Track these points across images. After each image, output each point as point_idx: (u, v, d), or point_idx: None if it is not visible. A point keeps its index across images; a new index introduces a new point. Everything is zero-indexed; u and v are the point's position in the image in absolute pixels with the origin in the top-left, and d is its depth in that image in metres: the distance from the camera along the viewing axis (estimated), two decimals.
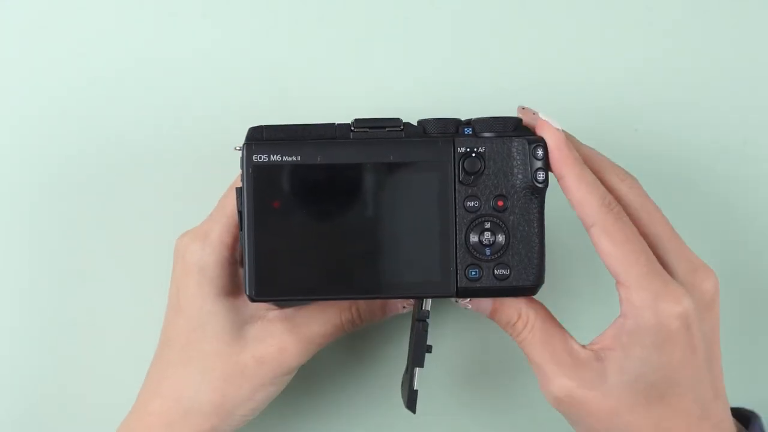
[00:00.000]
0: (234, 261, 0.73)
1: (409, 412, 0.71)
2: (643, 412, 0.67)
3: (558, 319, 0.70)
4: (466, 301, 0.70)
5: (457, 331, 0.81)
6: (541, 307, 0.70)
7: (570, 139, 0.69)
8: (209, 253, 0.72)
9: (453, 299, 0.70)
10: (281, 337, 0.71)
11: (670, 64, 0.82)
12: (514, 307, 0.69)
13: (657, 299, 0.67)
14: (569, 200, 0.68)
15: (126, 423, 0.73)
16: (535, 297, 0.70)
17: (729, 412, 0.70)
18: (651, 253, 0.68)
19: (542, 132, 0.68)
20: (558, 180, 0.68)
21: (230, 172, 0.72)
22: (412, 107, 0.80)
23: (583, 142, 0.71)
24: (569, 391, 0.67)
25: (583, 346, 0.69)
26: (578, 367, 0.68)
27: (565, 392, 0.67)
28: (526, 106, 0.70)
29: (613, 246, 0.67)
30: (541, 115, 0.69)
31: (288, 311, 0.72)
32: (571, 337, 0.69)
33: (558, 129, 0.68)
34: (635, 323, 0.67)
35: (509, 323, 0.69)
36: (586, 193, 0.67)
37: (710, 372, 0.68)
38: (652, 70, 0.82)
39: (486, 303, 0.70)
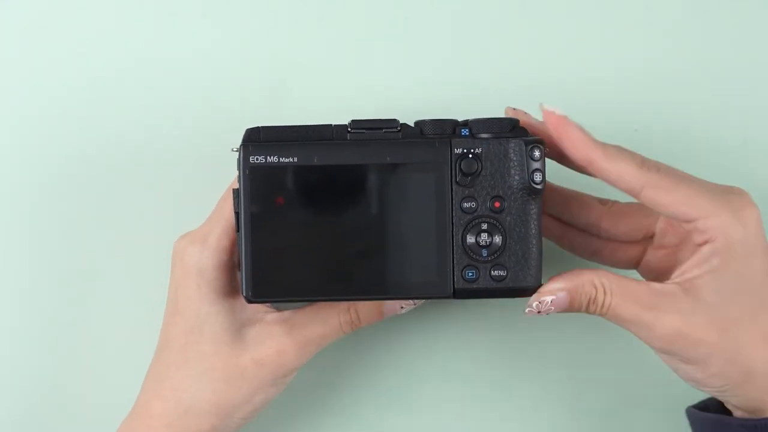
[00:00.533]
0: (232, 264, 0.73)
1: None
2: (751, 321, 0.68)
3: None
4: (545, 306, 0.68)
5: (457, 331, 0.81)
6: (603, 270, 0.69)
7: None
8: (208, 256, 0.72)
9: (526, 310, 0.68)
10: (280, 339, 0.71)
11: (670, 64, 0.82)
12: (587, 283, 0.68)
13: (738, 213, 0.67)
14: (605, 179, 0.68)
15: (126, 424, 0.73)
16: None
17: None
18: (703, 181, 0.69)
19: (558, 127, 0.68)
20: (587, 166, 0.68)
21: (230, 173, 0.72)
22: (411, 107, 0.80)
23: None
24: (676, 328, 0.67)
25: (665, 284, 0.68)
26: (673, 302, 0.67)
27: (673, 329, 0.67)
28: (516, 108, 0.70)
29: (671, 194, 0.67)
30: (545, 106, 0.68)
31: (286, 314, 0.72)
32: (646, 281, 0.69)
33: (564, 116, 0.68)
34: (726, 242, 0.67)
35: (590, 300, 0.68)
36: (621, 165, 0.67)
37: None
38: (652, 70, 0.82)
39: (562, 298, 0.68)
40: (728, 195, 0.69)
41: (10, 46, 0.80)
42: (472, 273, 0.68)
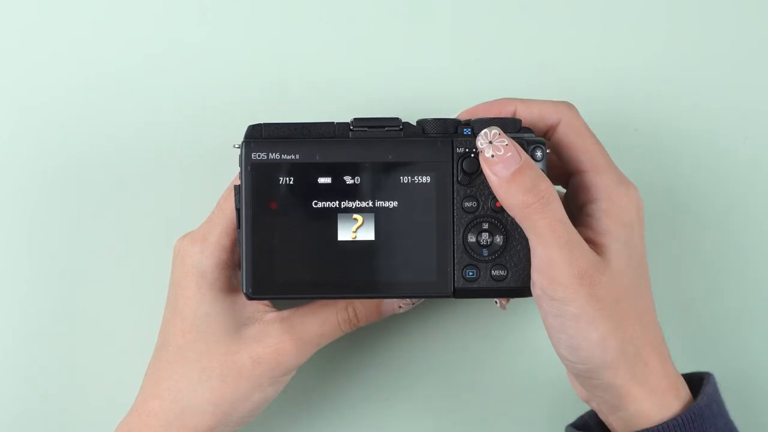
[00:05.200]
0: (232, 263, 0.73)
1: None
2: (635, 299, 0.67)
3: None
4: (494, 142, 0.67)
5: (456, 331, 0.81)
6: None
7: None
8: (208, 255, 0.72)
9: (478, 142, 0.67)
10: (279, 337, 0.71)
11: (670, 63, 0.82)
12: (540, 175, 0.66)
13: (623, 183, 0.69)
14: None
15: (124, 423, 0.73)
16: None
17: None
18: None
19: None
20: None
21: (230, 173, 0.72)
22: (411, 107, 0.80)
23: None
24: (590, 272, 0.66)
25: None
26: (590, 251, 0.67)
27: (588, 271, 0.65)
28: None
29: (581, 138, 0.70)
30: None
31: (285, 313, 0.72)
32: None
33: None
34: (611, 204, 0.68)
35: (535, 188, 0.66)
36: (540, 104, 0.71)
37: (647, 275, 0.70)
38: (652, 70, 0.82)
39: (512, 156, 0.66)
40: (624, 176, 0.70)
41: (10, 46, 0.80)
42: (473, 272, 0.68)
